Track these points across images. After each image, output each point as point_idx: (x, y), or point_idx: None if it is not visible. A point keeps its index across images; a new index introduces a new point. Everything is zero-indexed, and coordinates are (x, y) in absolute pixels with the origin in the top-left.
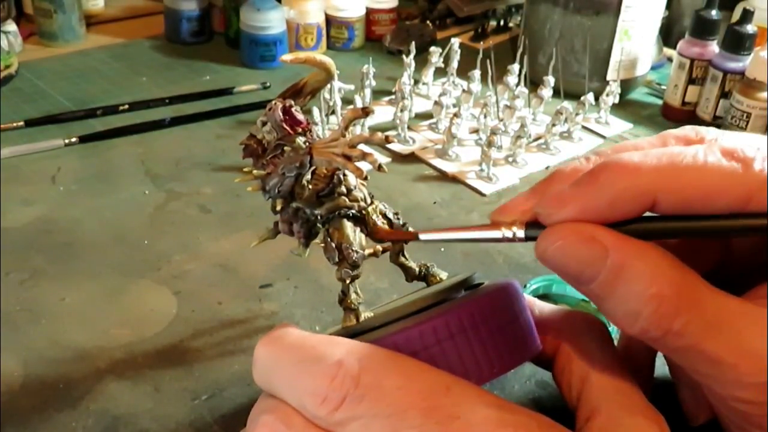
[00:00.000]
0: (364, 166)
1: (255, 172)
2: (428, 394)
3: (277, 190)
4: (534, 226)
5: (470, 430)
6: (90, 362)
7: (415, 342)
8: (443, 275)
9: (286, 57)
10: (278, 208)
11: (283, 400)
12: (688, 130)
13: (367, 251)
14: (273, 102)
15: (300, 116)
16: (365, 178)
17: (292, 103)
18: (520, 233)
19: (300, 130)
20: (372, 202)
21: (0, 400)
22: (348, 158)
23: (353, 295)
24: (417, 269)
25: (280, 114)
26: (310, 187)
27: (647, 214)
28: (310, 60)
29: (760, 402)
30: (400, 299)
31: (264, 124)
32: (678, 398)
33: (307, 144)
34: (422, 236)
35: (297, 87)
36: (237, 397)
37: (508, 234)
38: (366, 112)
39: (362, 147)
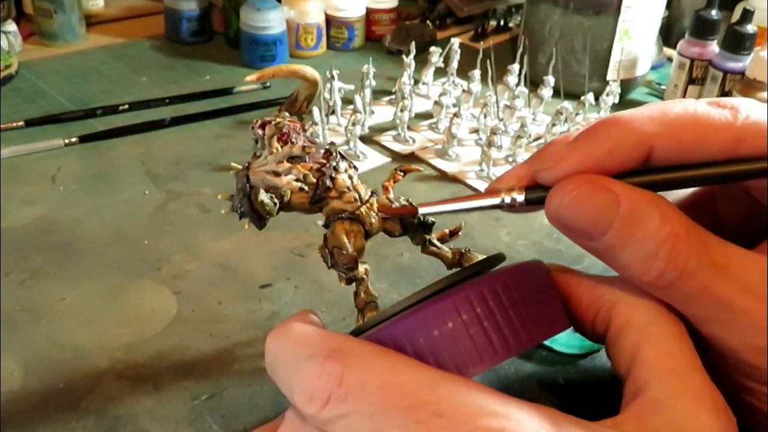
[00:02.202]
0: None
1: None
2: (410, 391)
3: (239, 212)
4: (532, 191)
5: (453, 428)
6: (90, 362)
7: (415, 330)
8: (480, 258)
9: (250, 77)
10: (275, 214)
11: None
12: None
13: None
14: (255, 120)
15: (279, 127)
16: (301, 189)
17: (268, 119)
18: (520, 197)
19: (282, 141)
20: (368, 200)
21: (0, 400)
22: (278, 174)
23: (362, 295)
24: (451, 255)
25: (258, 131)
26: (295, 199)
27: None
28: (293, 72)
29: None
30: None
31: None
32: None
33: (245, 165)
34: (422, 210)
35: (292, 97)
36: (237, 397)
37: (508, 199)
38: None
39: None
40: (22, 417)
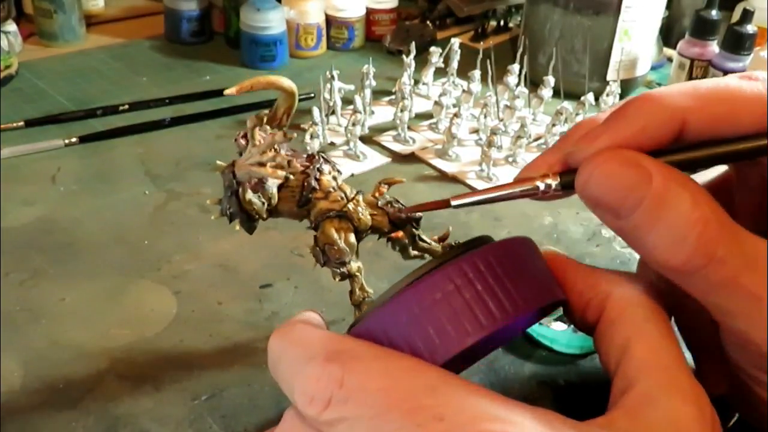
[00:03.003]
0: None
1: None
2: (411, 395)
3: (228, 213)
4: (565, 176)
5: (455, 431)
6: (90, 362)
7: (398, 311)
8: None
9: (229, 91)
10: (264, 216)
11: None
12: None
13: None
14: (238, 132)
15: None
16: (286, 178)
17: (250, 129)
18: (555, 183)
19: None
20: (354, 197)
21: (0, 400)
22: (262, 164)
23: (357, 293)
24: (441, 251)
25: (242, 141)
26: (282, 200)
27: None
28: (271, 83)
29: None
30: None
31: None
32: (696, 371)
33: (230, 163)
34: (454, 202)
35: (271, 111)
36: (237, 397)
37: (542, 186)
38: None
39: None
40: (22, 417)
